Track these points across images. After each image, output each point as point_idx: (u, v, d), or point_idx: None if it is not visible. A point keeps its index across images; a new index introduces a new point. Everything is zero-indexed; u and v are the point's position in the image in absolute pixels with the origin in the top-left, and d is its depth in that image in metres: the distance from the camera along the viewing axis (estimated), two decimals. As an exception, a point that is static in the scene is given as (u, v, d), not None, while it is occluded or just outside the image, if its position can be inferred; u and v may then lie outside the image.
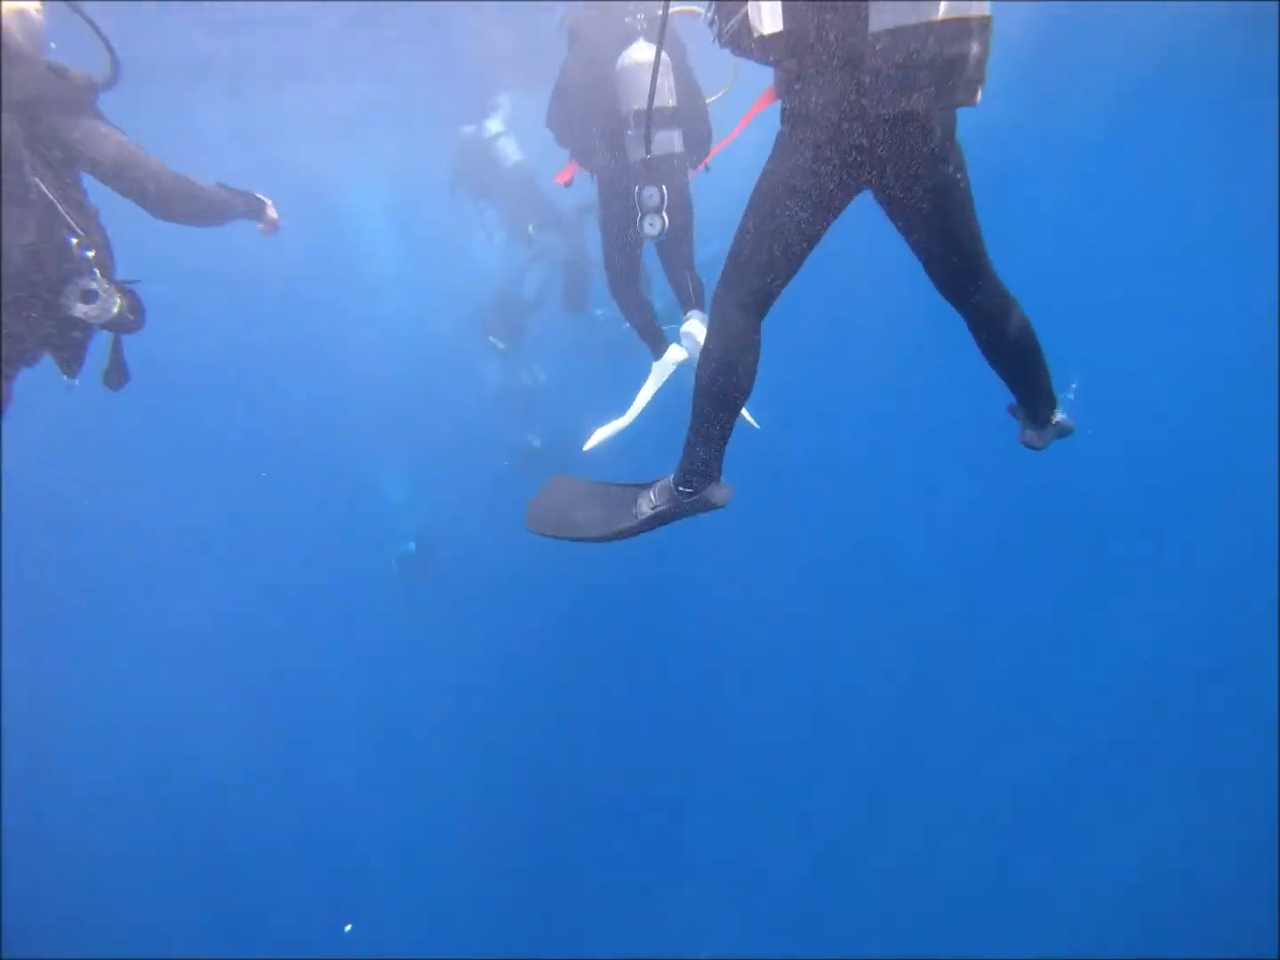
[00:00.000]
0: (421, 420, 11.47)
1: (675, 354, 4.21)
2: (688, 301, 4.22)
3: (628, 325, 4.33)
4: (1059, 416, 2.61)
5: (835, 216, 2.12)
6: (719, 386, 2.23)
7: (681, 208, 3.97)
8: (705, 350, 2.25)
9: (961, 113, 2.03)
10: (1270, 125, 8.45)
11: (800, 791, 9.35)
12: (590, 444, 4.25)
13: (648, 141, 3.23)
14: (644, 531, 2.53)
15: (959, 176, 2.06)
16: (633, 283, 4.26)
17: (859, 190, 2.09)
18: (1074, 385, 2.68)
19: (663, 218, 3.71)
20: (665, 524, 2.52)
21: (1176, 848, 8.36)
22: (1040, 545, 10.50)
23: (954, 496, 10.65)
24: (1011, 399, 2.63)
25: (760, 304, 2.22)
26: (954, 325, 2.35)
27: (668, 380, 4.21)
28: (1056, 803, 8.97)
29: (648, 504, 2.53)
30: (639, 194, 3.65)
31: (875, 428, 11.27)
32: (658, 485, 2.55)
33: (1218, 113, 9.28)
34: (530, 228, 8.05)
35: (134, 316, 2.82)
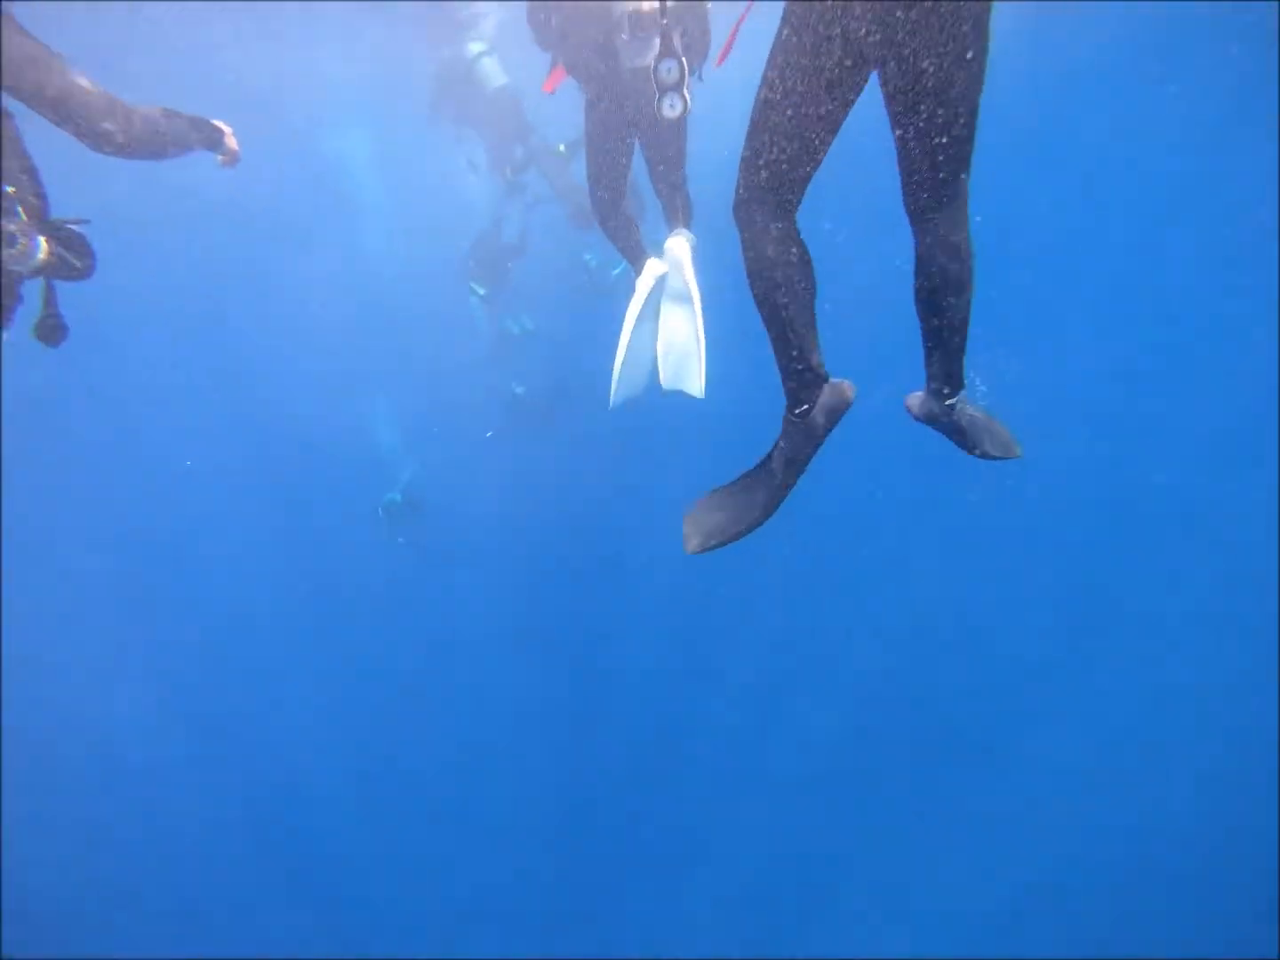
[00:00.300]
0: (406, 368, 11.28)
1: (654, 268, 4.02)
2: (674, 219, 4.09)
3: (617, 270, 4.11)
4: (956, 400, 2.42)
5: (854, 96, 1.97)
6: (775, 299, 2.08)
7: (678, 127, 3.84)
8: (747, 266, 2.11)
9: None
10: (1270, 123, 8.44)
11: (800, 790, 9.36)
12: (615, 400, 4.13)
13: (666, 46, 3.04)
14: (793, 481, 2.35)
15: (976, 74, 1.87)
16: (618, 200, 4.06)
17: (872, 67, 1.94)
18: (982, 388, 2.53)
19: (684, 96, 3.42)
20: (807, 460, 2.33)
21: (1177, 848, 8.36)
22: (1038, 552, 10.51)
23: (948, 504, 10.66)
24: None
25: (786, 202, 2.07)
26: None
27: (651, 301, 4.07)
28: (1056, 802, 8.98)
29: (779, 456, 2.34)
30: (655, 70, 3.35)
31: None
32: (777, 442, 2.37)
33: (1217, 107, 9.27)
34: (508, 170, 7.66)
35: (80, 263, 2.52)
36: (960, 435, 2.52)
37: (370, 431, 11.12)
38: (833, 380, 2.26)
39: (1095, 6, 8.29)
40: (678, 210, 4.10)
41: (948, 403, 2.42)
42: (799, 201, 2.08)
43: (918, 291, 2.20)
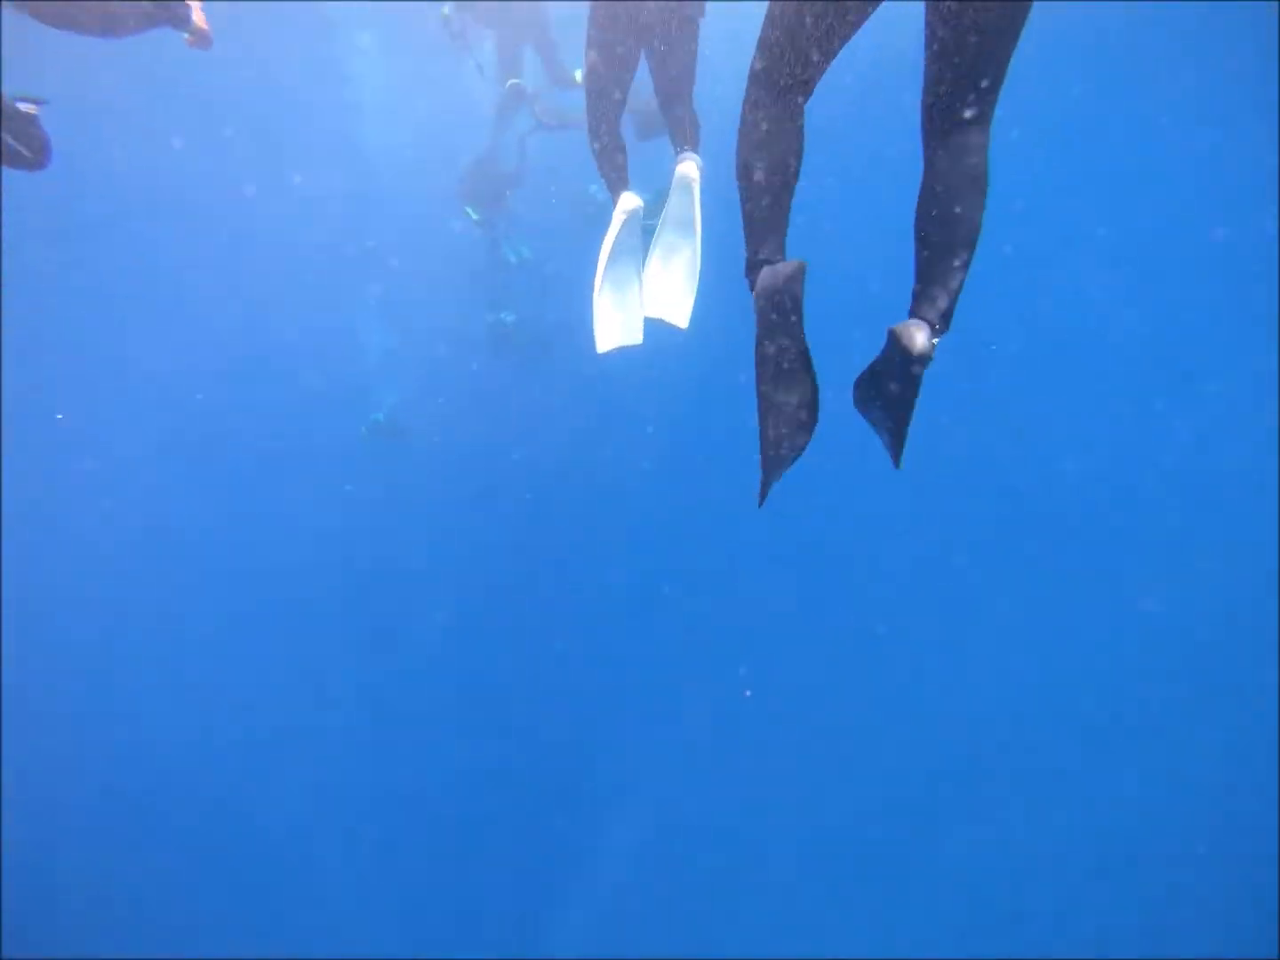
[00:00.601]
0: (398, 290, 11.01)
1: (627, 202, 3.85)
2: (682, 140, 3.94)
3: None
4: (934, 339, 2.12)
5: None
6: (754, 175, 2.00)
7: (689, 37, 3.76)
8: (738, 150, 2.02)
9: None
10: (1270, 121, 8.42)
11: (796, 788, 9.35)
12: (603, 345, 3.96)
13: None
14: (764, 372, 2.14)
15: None
16: (615, 113, 3.89)
17: None
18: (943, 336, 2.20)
19: None
20: (768, 340, 2.11)
21: (1177, 848, 8.36)
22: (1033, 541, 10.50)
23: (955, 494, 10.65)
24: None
25: (798, 85, 1.95)
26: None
27: (624, 233, 3.88)
28: (1056, 802, 8.97)
29: (755, 354, 2.16)
30: None
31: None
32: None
33: (1217, 105, 9.26)
34: (512, 82, 7.47)
35: (31, 153, 2.29)
36: (887, 385, 2.23)
37: (357, 351, 10.98)
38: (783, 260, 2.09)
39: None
40: (685, 130, 3.96)
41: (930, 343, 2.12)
42: (812, 86, 1.98)
43: (923, 212, 1.99)
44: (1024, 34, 1.81)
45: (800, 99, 1.99)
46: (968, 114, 1.88)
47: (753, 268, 2.11)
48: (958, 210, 1.94)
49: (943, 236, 1.98)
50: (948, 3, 1.76)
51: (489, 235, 8.73)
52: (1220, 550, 9.86)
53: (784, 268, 2.05)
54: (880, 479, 10.99)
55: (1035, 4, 1.91)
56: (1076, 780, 9.05)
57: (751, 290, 2.11)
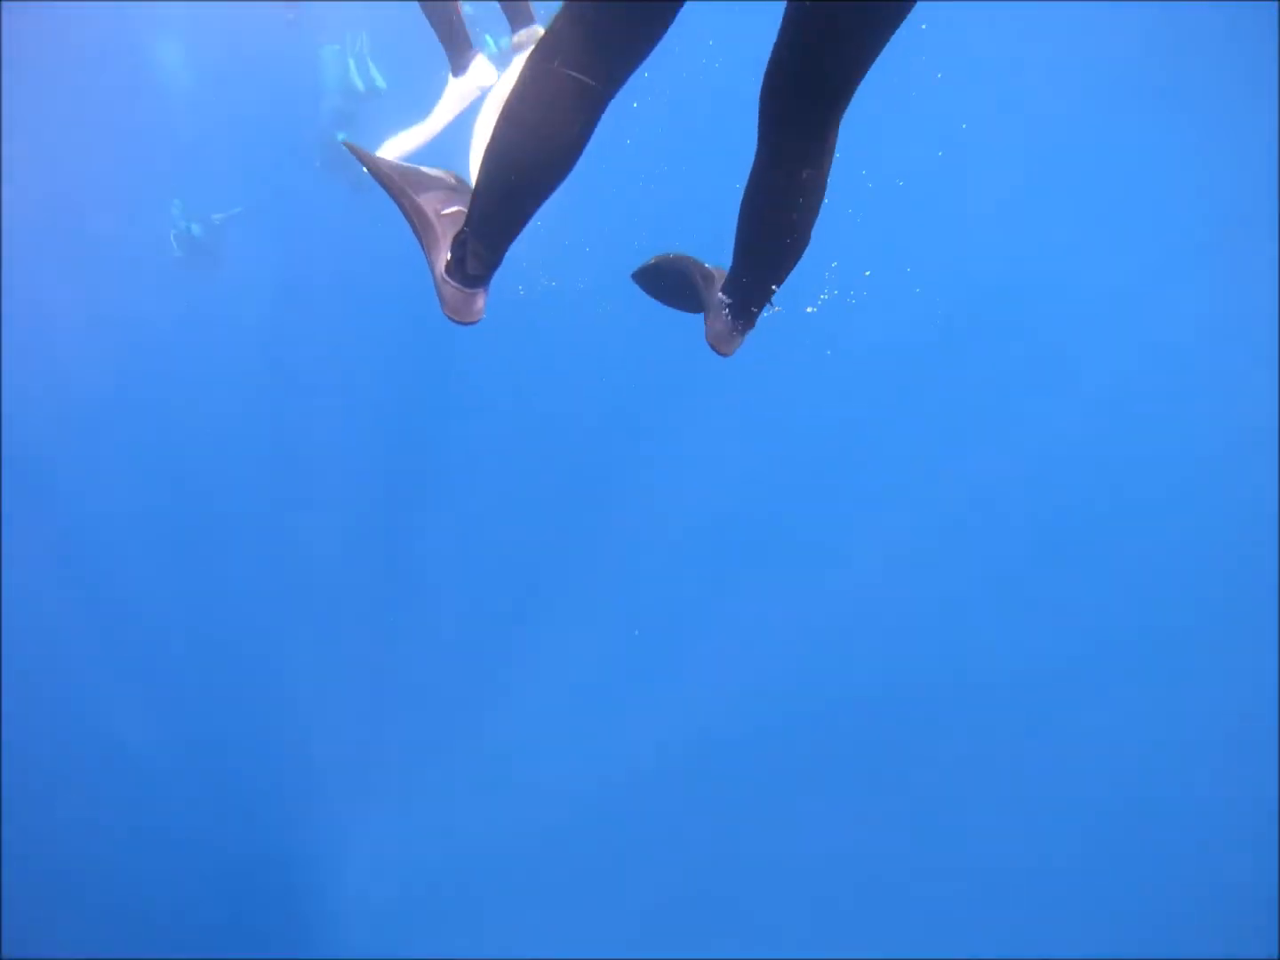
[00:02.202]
0: (229, 101, 10.32)
1: (482, 75, 3.20)
2: (516, 13, 3.23)
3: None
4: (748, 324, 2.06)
5: None
6: (521, 164, 1.54)
7: None
8: (508, 110, 1.52)
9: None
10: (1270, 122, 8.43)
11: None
12: (382, 152, 3.32)
13: None
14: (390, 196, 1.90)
15: None
16: None
17: None
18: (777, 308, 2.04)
19: None
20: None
21: (1177, 848, 8.36)
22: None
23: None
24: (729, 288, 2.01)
25: (613, 64, 1.47)
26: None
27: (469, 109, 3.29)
28: (1055, 801, 8.98)
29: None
30: None
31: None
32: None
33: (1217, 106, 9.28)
34: None
35: None
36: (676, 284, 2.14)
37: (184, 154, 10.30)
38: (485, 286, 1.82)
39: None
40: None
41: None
42: (632, 69, 1.49)
43: (751, 205, 1.75)
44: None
45: (622, 75, 1.50)
46: (820, 117, 1.59)
47: (461, 269, 1.75)
48: (793, 219, 1.73)
49: (771, 247, 1.81)
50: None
51: (342, 56, 8.14)
52: (1219, 552, 9.87)
53: (478, 306, 1.79)
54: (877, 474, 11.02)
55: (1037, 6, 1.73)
56: (1076, 780, 9.06)
57: (444, 306, 1.80)
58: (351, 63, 8.19)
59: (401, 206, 1.90)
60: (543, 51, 1.45)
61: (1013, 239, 10.45)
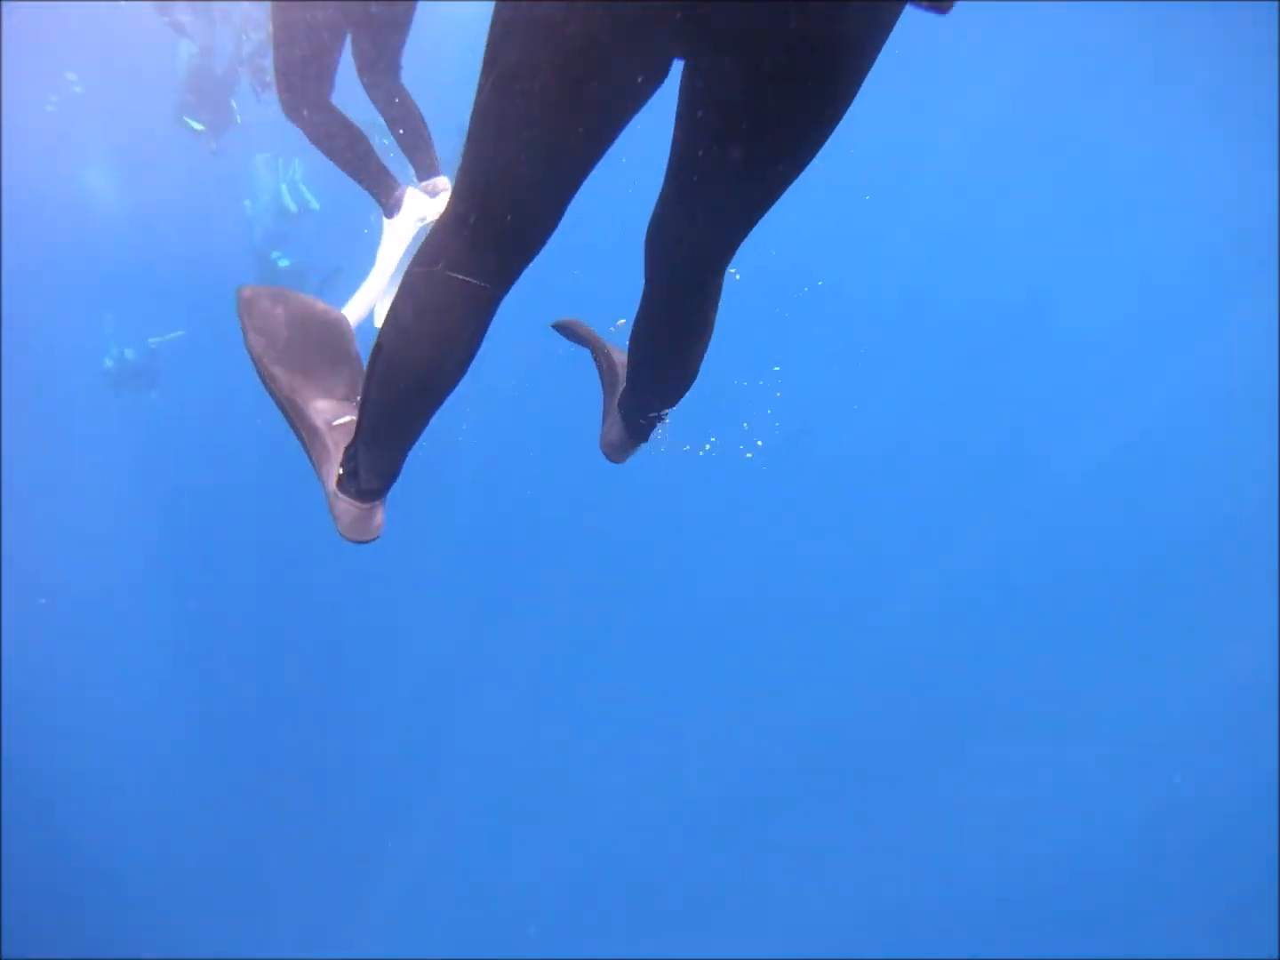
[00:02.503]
0: (160, 228, 10.32)
1: (416, 208, 3.01)
2: (421, 163, 3.06)
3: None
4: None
5: (634, 107, 1.22)
6: (412, 375, 1.43)
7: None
8: (395, 317, 1.40)
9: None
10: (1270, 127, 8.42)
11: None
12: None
13: None
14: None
15: (841, 108, 1.19)
16: (326, 80, 2.91)
17: (673, 54, 1.18)
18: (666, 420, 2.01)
19: None
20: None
21: (1177, 848, 8.37)
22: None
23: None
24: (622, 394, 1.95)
25: (503, 263, 1.35)
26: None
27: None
28: (1055, 801, 8.98)
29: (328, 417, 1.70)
30: None
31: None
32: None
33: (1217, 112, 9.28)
34: None
35: None
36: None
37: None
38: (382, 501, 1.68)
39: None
40: (418, 146, 3.06)
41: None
42: (522, 266, 1.38)
43: (646, 336, 1.67)
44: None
45: (515, 271, 1.38)
46: (706, 274, 1.50)
47: (355, 482, 1.60)
48: (680, 357, 1.68)
49: (659, 381, 1.77)
50: (716, 122, 1.21)
51: (274, 175, 8.12)
52: (1218, 553, 9.88)
53: (376, 524, 1.64)
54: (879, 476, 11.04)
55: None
56: (1075, 779, 9.06)
57: (338, 524, 1.63)
58: (284, 187, 8.20)
59: (287, 417, 1.72)
60: (426, 255, 1.35)
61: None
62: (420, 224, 3.05)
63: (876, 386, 11.48)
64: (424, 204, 3.02)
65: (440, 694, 9.93)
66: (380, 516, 1.68)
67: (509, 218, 1.29)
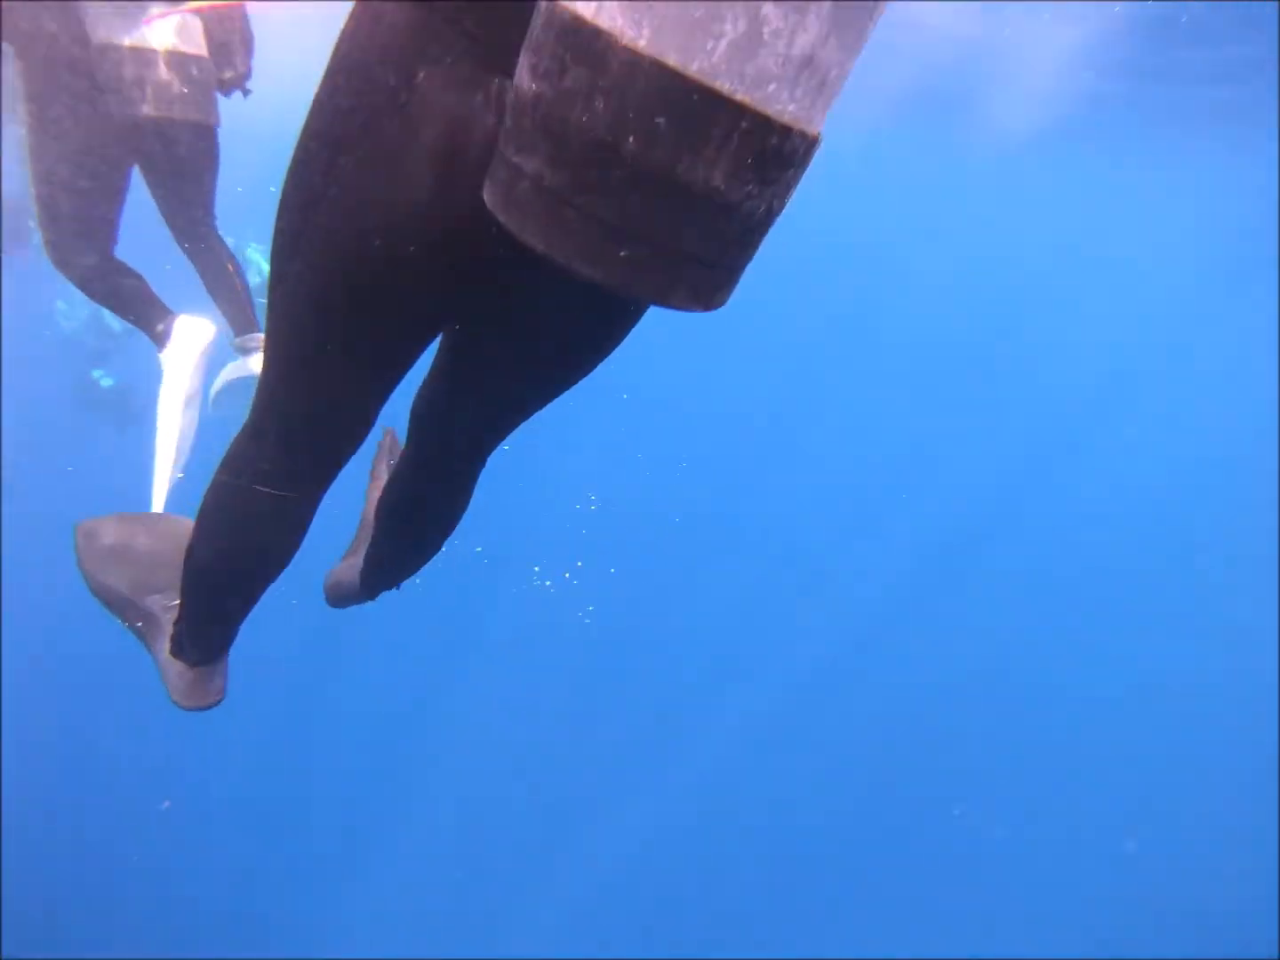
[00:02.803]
0: None
1: (190, 336, 2.79)
2: (236, 319, 2.81)
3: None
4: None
5: (428, 335, 1.16)
6: (234, 570, 1.36)
7: (198, 136, 2.54)
8: (204, 528, 1.32)
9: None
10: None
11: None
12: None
13: None
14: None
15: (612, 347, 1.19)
16: (106, 242, 2.61)
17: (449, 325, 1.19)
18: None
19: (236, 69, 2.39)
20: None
21: (1176, 848, 8.36)
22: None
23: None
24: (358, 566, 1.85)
25: (311, 475, 1.28)
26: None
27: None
28: (1055, 801, 8.98)
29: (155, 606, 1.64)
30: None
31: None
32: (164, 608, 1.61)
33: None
34: None
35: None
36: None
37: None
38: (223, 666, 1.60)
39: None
40: (231, 300, 2.79)
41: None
42: (336, 470, 1.30)
43: (398, 510, 1.61)
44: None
45: (326, 478, 1.30)
46: (472, 453, 1.44)
47: (184, 649, 1.52)
48: (431, 527, 1.60)
49: (408, 547, 1.68)
50: (474, 361, 1.22)
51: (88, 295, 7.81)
52: (1220, 561, 9.88)
53: (216, 689, 1.57)
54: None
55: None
56: (1076, 780, 9.06)
57: (171, 693, 1.57)
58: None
59: (119, 616, 1.66)
60: (231, 464, 1.26)
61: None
62: (200, 350, 2.78)
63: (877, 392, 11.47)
64: (198, 328, 2.76)
65: (420, 687, 9.90)
66: (221, 680, 1.59)
67: (311, 435, 1.19)
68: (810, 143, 0.71)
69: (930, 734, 9.48)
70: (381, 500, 1.64)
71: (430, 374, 1.34)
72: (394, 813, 9.41)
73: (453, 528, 1.60)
